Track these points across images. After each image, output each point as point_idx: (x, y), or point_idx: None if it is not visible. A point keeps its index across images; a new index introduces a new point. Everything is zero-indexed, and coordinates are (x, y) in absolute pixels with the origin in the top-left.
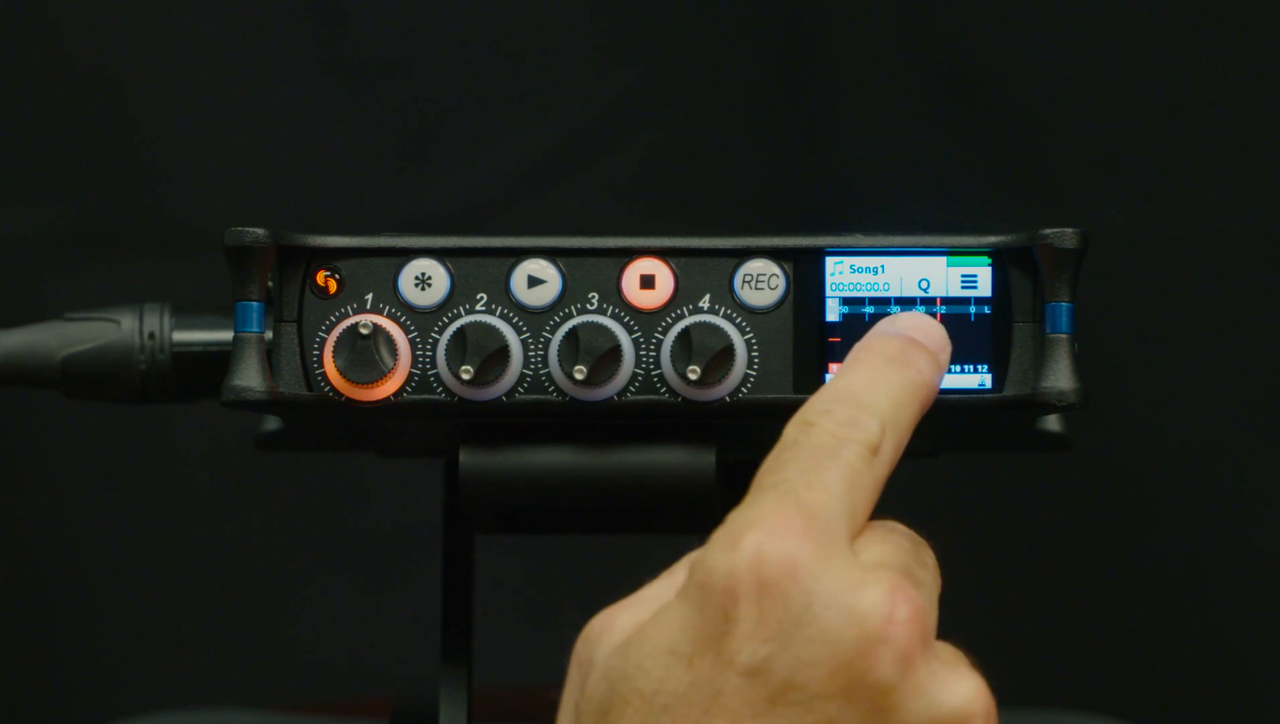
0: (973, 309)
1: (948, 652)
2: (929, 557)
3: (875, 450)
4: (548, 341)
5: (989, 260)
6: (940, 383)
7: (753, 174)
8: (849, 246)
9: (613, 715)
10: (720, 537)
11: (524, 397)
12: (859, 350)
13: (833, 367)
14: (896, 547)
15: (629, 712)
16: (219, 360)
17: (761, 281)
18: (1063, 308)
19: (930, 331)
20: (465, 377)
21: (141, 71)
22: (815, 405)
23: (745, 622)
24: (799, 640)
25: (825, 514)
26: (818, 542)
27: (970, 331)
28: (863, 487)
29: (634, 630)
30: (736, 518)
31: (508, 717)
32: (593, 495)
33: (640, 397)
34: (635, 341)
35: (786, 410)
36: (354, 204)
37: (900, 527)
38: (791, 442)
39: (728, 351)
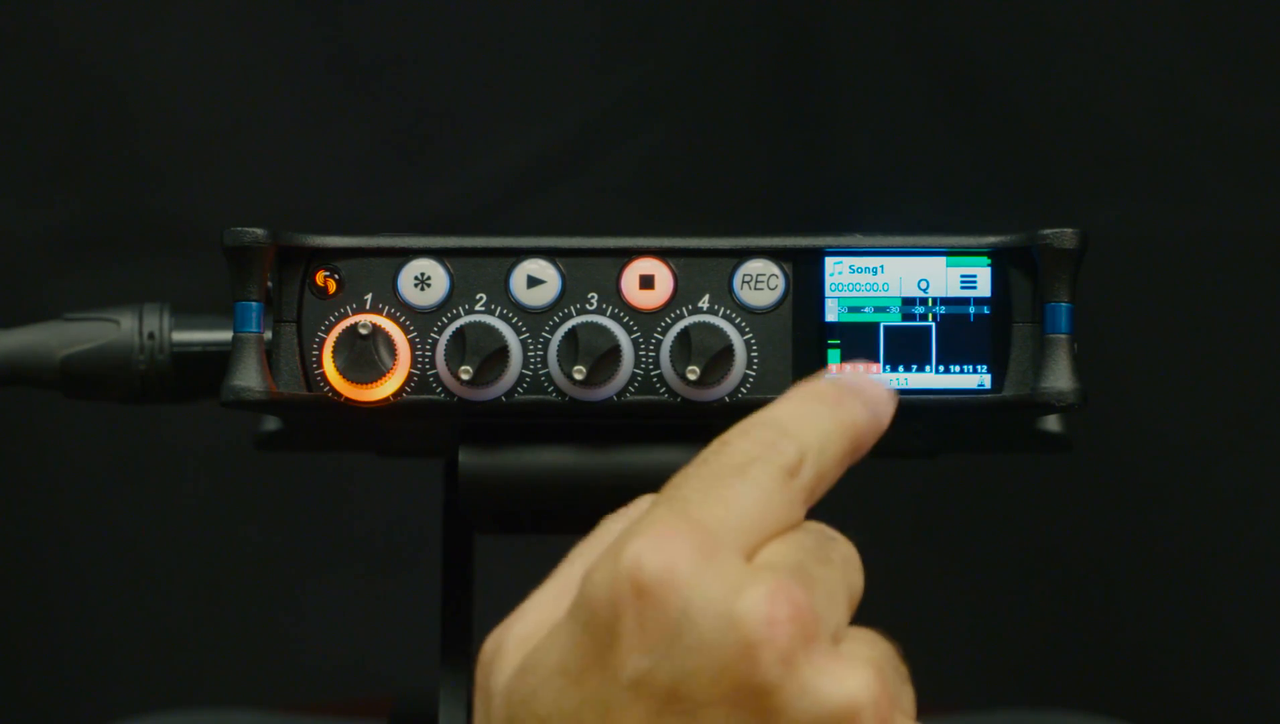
0: (972, 309)
1: (854, 643)
2: (838, 551)
3: (791, 473)
4: (547, 342)
5: (988, 260)
6: (874, 436)
7: (753, 174)
8: (848, 247)
9: None
10: (607, 550)
11: (523, 397)
12: (793, 388)
13: (831, 367)
14: (795, 545)
15: None
16: (218, 360)
17: (761, 282)
18: (1062, 308)
19: (871, 388)
20: (465, 377)
21: (141, 72)
22: (737, 427)
23: (627, 635)
24: (679, 649)
25: (714, 525)
26: (699, 549)
27: (970, 332)
28: (770, 506)
29: (529, 652)
30: (625, 531)
31: None
32: (592, 495)
33: (640, 397)
34: (635, 342)
35: None
36: (354, 204)
37: (811, 524)
38: (702, 460)
39: (727, 352)
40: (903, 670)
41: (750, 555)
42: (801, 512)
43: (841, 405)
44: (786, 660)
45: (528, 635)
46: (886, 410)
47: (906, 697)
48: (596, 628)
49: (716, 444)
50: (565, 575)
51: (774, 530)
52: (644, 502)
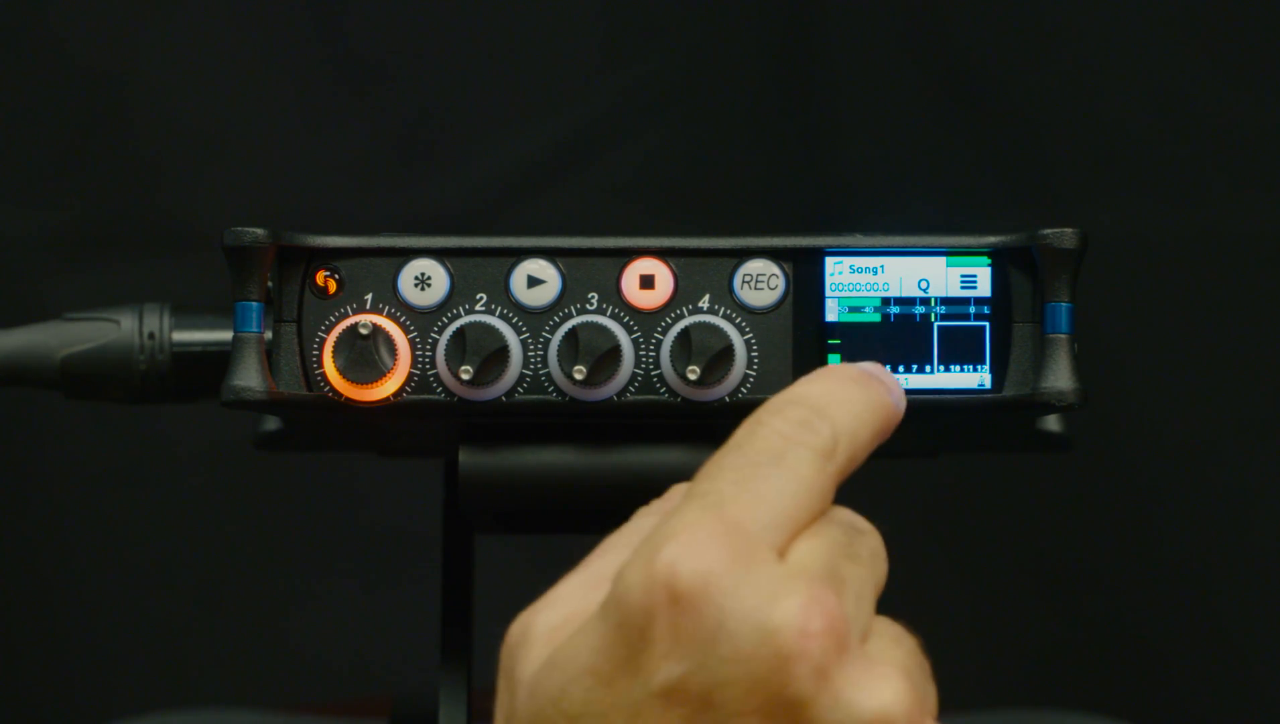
0: (972, 309)
1: (879, 646)
2: (866, 545)
3: (828, 456)
4: (547, 342)
5: (989, 260)
6: (896, 421)
7: (753, 174)
8: (849, 247)
9: None
10: (640, 549)
11: (524, 397)
12: (820, 369)
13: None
14: (827, 542)
15: None
16: (218, 360)
17: (761, 281)
18: (1062, 308)
19: (889, 376)
20: (465, 377)
21: (142, 72)
22: (769, 405)
23: (661, 641)
24: (714, 659)
25: (750, 526)
26: (736, 555)
27: (970, 331)
28: (805, 494)
29: (558, 647)
30: (659, 529)
31: None
32: (593, 495)
33: (640, 397)
34: (635, 342)
35: None
36: (354, 204)
37: (840, 514)
38: (735, 444)
39: (727, 352)
40: (926, 668)
41: (784, 549)
42: (832, 495)
43: (870, 387)
44: (820, 673)
45: (556, 627)
46: (903, 400)
47: (930, 696)
48: (628, 631)
49: (749, 425)
50: (596, 568)
51: (807, 519)
52: (677, 492)
